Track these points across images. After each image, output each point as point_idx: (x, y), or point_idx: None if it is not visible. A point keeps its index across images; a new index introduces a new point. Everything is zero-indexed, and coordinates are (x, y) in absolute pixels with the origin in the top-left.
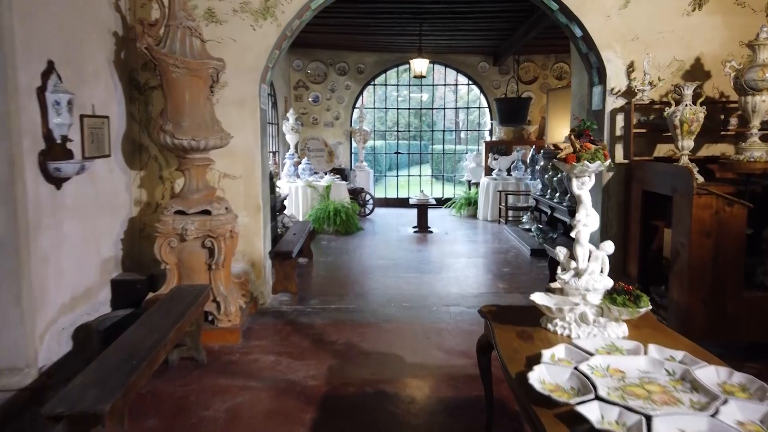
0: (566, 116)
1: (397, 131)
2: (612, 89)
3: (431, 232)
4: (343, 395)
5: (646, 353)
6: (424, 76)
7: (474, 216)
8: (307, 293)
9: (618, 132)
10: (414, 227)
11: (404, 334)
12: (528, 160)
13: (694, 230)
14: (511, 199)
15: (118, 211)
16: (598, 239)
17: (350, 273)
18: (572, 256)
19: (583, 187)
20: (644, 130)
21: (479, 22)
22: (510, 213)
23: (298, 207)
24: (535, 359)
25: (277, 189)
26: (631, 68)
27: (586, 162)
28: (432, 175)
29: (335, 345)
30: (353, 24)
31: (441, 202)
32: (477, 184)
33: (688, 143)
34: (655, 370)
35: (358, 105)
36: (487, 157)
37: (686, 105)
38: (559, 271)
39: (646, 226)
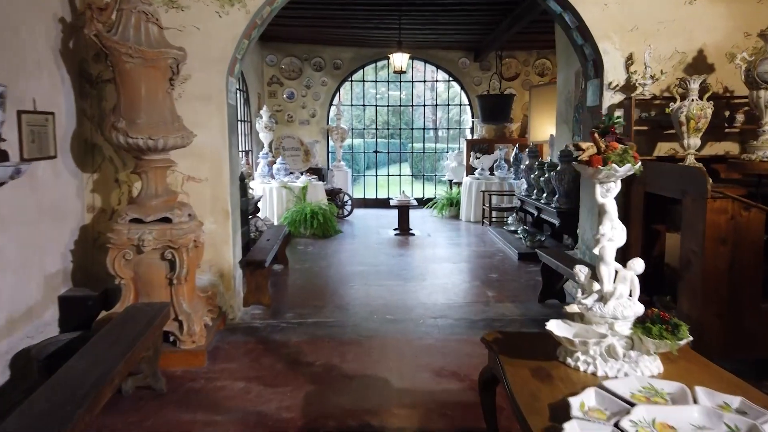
0: (549, 114)
1: (376, 129)
2: (610, 83)
3: (413, 234)
4: (322, 430)
5: (694, 399)
6: (404, 72)
7: (456, 217)
8: (281, 305)
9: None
10: (395, 229)
11: (389, 353)
12: (511, 159)
13: (708, 237)
14: (494, 199)
15: (67, 218)
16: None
17: (329, 281)
18: (594, 277)
19: (608, 194)
20: (645, 128)
21: (461, 15)
22: (494, 214)
23: (272, 209)
24: (561, 410)
25: (250, 191)
26: (630, 61)
27: (614, 165)
28: (412, 175)
29: (313, 367)
30: (329, 17)
31: (422, 203)
32: (459, 184)
33: (695, 141)
34: (713, 424)
35: (335, 102)
36: (468, 156)
37: (692, 100)
38: (578, 293)
39: (646, 230)
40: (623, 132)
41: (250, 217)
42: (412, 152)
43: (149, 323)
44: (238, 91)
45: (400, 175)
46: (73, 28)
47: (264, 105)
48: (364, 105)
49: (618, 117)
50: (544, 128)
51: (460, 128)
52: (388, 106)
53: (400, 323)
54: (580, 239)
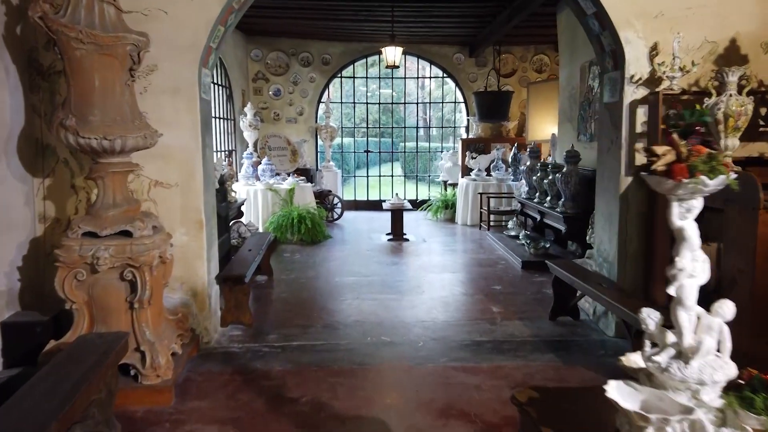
0: (548, 112)
1: (367, 128)
2: (632, 77)
3: (407, 240)
4: None
5: None
6: (397, 66)
7: (452, 220)
8: (264, 324)
9: (639, 128)
10: (388, 234)
11: (386, 386)
12: (510, 159)
13: (761, 254)
14: (492, 202)
15: (13, 230)
16: (615, 258)
17: (317, 295)
18: (668, 324)
19: (688, 215)
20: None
21: (456, 7)
22: (492, 217)
23: (257, 213)
24: None
25: (233, 194)
26: (654, 51)
27: (702, 177)
28: (404, 176)
29: (298, 404)
30: (317, 8)
31: (415, 205)
32: (454, 185)
33: (733, 142)
34: None
35: (324, 99)
36: (464, 156)
37: (730, 95)
38: (647, 346)
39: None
40: (648, 131)
41: (232, 222)
42: (404, 152)
43: (99, 361)
44: (220, 87)
45: (392, 176)
46: (20, 11)
47: (248, 102)
48: (354, 102)
49: (703, 110)
50: (543, 127)
51: (454, 127)
52: (379, 103)
53: (398, 346)
54: (595, 249)
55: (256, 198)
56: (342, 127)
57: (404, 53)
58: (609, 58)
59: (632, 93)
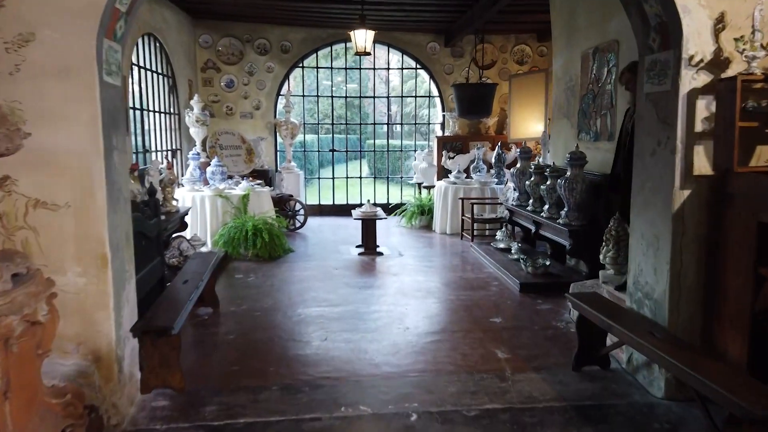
0: (533, 107)
1: (332, 124)
2: (691, 58)
3: (381, 253)
4: None
5: None
6: (369, 53)
7: (429, 228)
8: (201, 388)
9: (699, 126)
10: (358, 246)
11: None
12: (493, 160)
13: None
14: (476, 208)
15: None
16: (665, 295)
17: (274, 336)
18: None
19: None
20: (754, 123)
21: None
22: (475, 225)
23: (205, 224)
24: None
25: (174, 202)
26: (720, 24)
27: None
28: (374, 177)
29: None
30: None
31: (386, 209)
32: (429, 188)
33: None
34: None
35: (283, 92)
36: (440, 156)
37: None
38: None
39: (755, 276)
40: (716, 129)
41: (174, 236)
42: (374, 151)
43: None
44: (162, 77)
45: (360, 177)
46: None
47: (196, 94)
48: (317, 96)
49: None
50: (527, 124)
51: (428, 123)
52: (345, 97)
53: (381, 421)
54: (631, 282)
55: (204, 206)
56: (304, 124)
57: (359, 54)
58: (655, 34)
59: (691, 80)
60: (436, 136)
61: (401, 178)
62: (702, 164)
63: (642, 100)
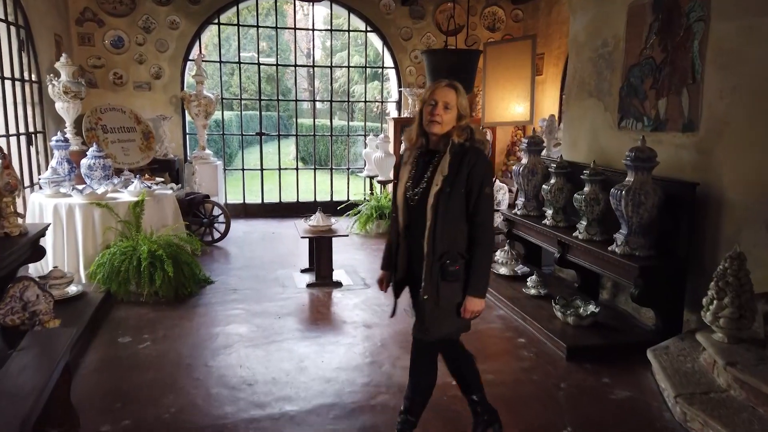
0: (515, 83)
1: (259, 100)
2: None
3: (338, 284)
4: None
5: None
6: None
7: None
8: None
9: None
10: (305, 271)
11: None
12: None
13: None
14: None
15: None
16: None
17: None
18: None
19: None
20: None
21: None
22: None
23: (75, 248)
24: None
25: (18, 220)
26: None
27: None
28: (314, 168)
29: None
30: None
31: (331, 209)
32: (385, 183)
33: None
34: None
35: (193, 56)
36: (398, 143)
37: None
38: None
39: None
40: None
41: (16, 278)
42: (313, 135)
43: None
44: (7, 25)
45: (297, 169)
46: None
47: (64, 55)
48: (239, 63)
49: None
50: (505, 105)
51: (382, 102)
52: (276, 65)
53: None
54: None
55: (73, 220)
56: (222, 98)
57: None
58: None
59: None
60: (393, 118)
61: (348, 169)
62: None
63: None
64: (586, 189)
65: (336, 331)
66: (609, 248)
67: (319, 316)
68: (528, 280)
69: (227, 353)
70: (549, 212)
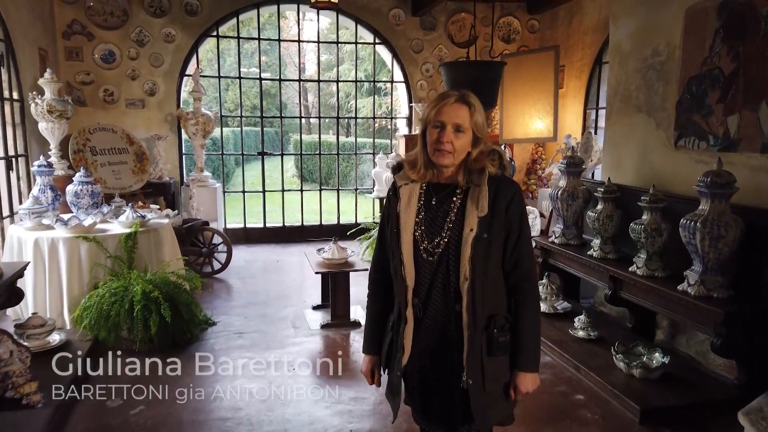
0: (536, 97)
1: (261, 117)
2: None
3: (357, 324)
4: None
5: None
6: (333, 4)
7: None
8: None
9: None
10: (317, 308)
11: None
12: None
13: None
14: None
15: None
16: None
17: None
18: None
19: None
20: None
21: None
22: None
23: (59, 289)
24: None
25: None
26: None
27: None
28: (319, 188)
29: None
30: None
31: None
32: None
33: None
34: None
35: (190, 71)
36: None
37: None
38: None
39: None
40: None
41: None
42: (319, 154)
43: None
44: None
45: (302, 191)
46: None
47: (48, 70)
48: (240, 78)
49: None
50: (526, 120)
51: (392, 118)
52: (279, 80)
53: None
54: None
55: (55, 257)
56: (221, 116)
57: (318, 5)
58: None
59: None
60: (403, 135)
61: (356, 189)
62: None
63: None
64: (645, 217)
65: (359, 386)
66: (679, 287)
67: (339, 365)
68: (576, 320)
69: (236, 420)
70: (596, 242)
